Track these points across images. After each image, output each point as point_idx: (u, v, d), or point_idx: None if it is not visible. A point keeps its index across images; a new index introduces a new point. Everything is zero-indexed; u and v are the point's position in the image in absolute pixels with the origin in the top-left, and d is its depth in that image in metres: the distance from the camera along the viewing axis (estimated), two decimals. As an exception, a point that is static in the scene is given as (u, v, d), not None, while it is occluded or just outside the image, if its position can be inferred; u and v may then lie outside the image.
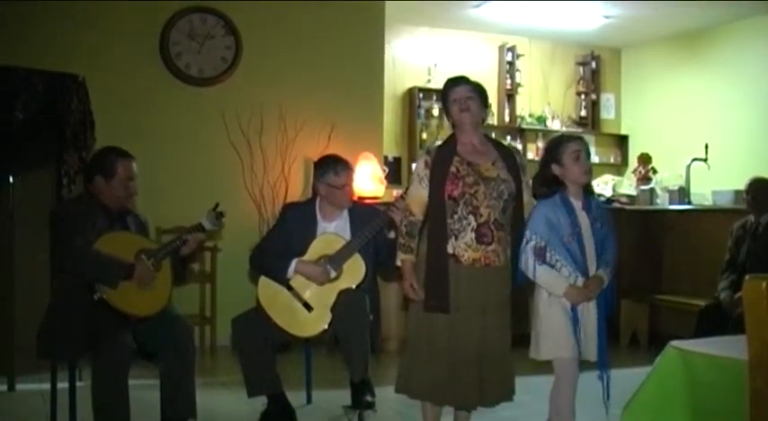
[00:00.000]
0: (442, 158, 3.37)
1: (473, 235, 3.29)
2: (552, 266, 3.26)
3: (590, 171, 3.37)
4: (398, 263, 3.43)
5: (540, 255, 3.26)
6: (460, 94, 3.45)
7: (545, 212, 3.30)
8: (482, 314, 3.32)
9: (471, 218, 3.30)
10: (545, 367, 3.40)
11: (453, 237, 3.30)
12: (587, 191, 3.42)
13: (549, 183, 3.37)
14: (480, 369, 3.31)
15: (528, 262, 3.28)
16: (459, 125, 3.46)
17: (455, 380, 3.29)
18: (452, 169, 3.32)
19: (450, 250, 3.30)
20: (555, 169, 3.35)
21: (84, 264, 3.61)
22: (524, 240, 3.31)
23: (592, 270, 3.27)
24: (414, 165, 3.62)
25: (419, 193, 3.39)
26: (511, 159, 3.49)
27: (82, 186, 3.97)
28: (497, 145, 3.61)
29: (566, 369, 3.29)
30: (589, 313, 3.29)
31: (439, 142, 3.57)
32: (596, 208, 3.39)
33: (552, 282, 3.26)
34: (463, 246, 3.29)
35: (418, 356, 3.37)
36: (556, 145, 3.40)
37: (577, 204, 3.33)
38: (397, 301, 5.90)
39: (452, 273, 3.29)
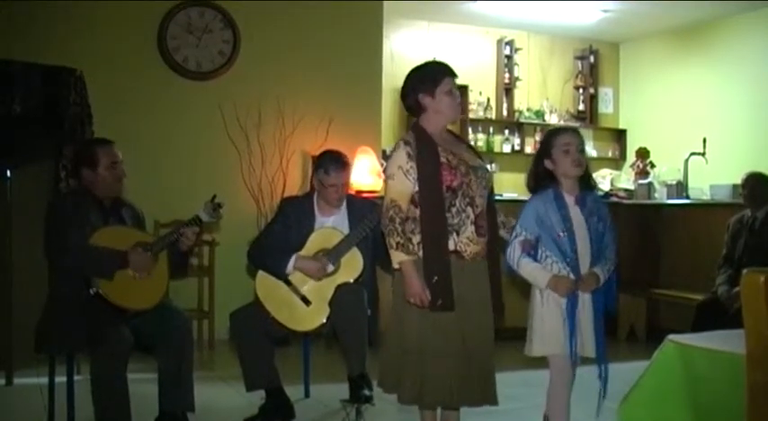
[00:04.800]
0: (426, 148, 3.17)
1: (473, 228, 3.18)
2: (542, 262, 3.22)
3: (582, 164, 3.26)
4: (396, 265, 3.15)
5: (528, 249, 3.23)
6: (455, 85, 3.30)
7: (535, 207, 3.24)
8: (482, 308, 3.25)
9: (469, 210, 3.17)
10: (543, 360, 3.38)
11: (455, 233, 3.15)
12: (586, 185, 3.33)
13: (541, 179, 3.31)
14: (484, 365, 3.23)
15: (513, 254, 3.23)
16: (447, 117, 3.30)
17: (468, 381, 3.16)
18: (442, 159, 3.16)
19: (451, 247, 3.15)
20: (547, 164, 3.28)
21: (79, 261, 3.61)
22: (513, 234, 3.27)
23: (584, 266, 3.21)
24: (391, 159, 3.34)
25: (407, 187, 3.16)
26: (471, 147, 3.44)
27: (77, 181, 3.96)
28: (455, 134, 3.47)
29: (559, 366, 3.25)
30: (585, 309, 3.23)
31: (408, 134, 3.26)
32: (592, 202, 3.30)
33: (536, 274, 3.21)
34: (465, 240, 3.16)
35: (428, 360, 3.14)
36: (548, 138, 3.33)
37: (570, 199, 3.25)
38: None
39: (456, 269, 3.14)
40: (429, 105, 3.26)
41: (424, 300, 3.10)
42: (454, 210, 3.16)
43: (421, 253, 3.15)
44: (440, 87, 3.25)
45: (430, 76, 3.29)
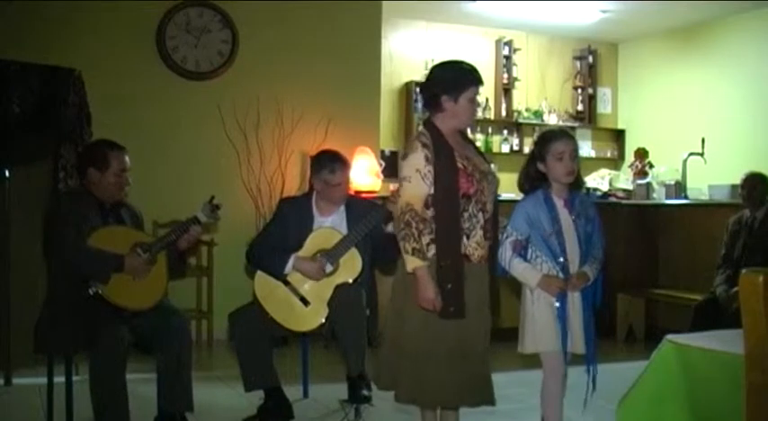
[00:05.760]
0: (443, 153, 3.17)
1: (481, 232, 3.20)
2: (533, 262, 3.27)
3: (574, 172, 3.31)
4: (410, 270, 3.11)
5: (518, 249, 3.27)
6: (478, 93, 3.28)
7: (526, 209, 3.31)
8: (483, 308, 3.26)
9: (480, 215, 3.19)
10: (540, 361, 3.39)
11: (465, 237, 3.16)
12: (576, 186, 3.38)
13: (533, 179, 3.36)
14: (483, 365, 3.25)
15: (505, 254, 3.28)
16: (463, 123, 3.31)
17: (468, 381, 3.18)
18: (459, 165, 3.16)
19: (461, 250, 3.16)
20: (540, 166, 3.33)
21: (76, 261, 3.62)
22: (504, 235, 3.31)
23: (573, 266, 3.27)
24: (407, 161, 3.30)
25: (423, 191, 3.13)
26: (478, 149, 3.44)
27: (79, 180, 3.97)
28: (464, 136, 3.44)
29: (551, 362, 3.31)
30: (574, 307, 3.29)
31: (424, 135, 3.24)
32: (580, 204, 3.37)
33: (526, 274, 3.27)
34: (474, 245, 3.18)
35: (426, 361, 3.15)
36: (542, 142, 3.36)
37: (559, 202, 3.32)
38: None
39: (464, 272, 3.17)
40: (449, 108, 3.24)
41: (437, 307, 3.10)
42: (467, 215, 3.17)
43: (430, 253, 3.14)
44: (465, 94, 3.23)
45: (458, 80, 3.26)
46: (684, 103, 8.74)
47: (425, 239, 3.14)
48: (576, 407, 3.41)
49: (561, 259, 3.25)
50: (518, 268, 3.28)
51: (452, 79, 3.27)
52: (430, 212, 3.16)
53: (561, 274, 3.25)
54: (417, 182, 3.14)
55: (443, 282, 3.11)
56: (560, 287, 3.24)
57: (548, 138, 3.36)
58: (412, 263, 3.10)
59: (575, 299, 3.29)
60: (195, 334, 6.01)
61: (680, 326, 5.09)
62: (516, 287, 3.41)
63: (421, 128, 3.34)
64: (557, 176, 3.30)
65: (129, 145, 3.93)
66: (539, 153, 3.34)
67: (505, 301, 3.46)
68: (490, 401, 3.27)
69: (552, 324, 3.25)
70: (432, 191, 3.15)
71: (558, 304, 3.25)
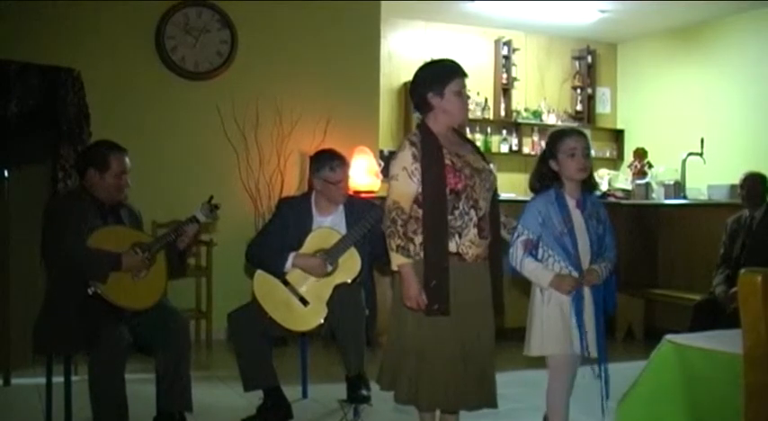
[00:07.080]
0: (431, 150, 3.16)
1: (475, 230, 3.17)
2: (544, 261, 3.24)
3: (586, 168, 3.30)
4: (395, 268, 3.13)
5: (529, 248, 3.25)
6: (464, 86, 3.27)
7: (538, 208, 3.27)
8: (483, 309, 3.24)
9: (473, 212, 3.16)
10: (543, 361, 3.36)
11: (457, 235, 3.14)
12: (587, 187, 3.37)
13: (545, 178, 3.34)
14: (483, 367, 3.22)
15: (516, 254, 3.26)
16: (454, 118, 3.28)
17: (465, 384, 3.15)
18: (447, 161, 3.15)
19: (453, 249, 3.14)
20: (552, 164, 3.32)
21: (73, 260, 3.62)
22: (516, 234, 3.29)
23: (585, 266, 3.24)
24: (395, 160, 3.30)
25: (410, 189, 3.13)
26: (477, 148, 3.43)
27: (78, 180, 3.97)
28: (460, 134, 3.44)
29: (557, 366, 3.28)
30: (586, 310, 3.25)
31: (414, 134, 3.25)
32: (592, 205, 3.35)
33: (538, 274, 3.24)
34: (467, 243, 3.16)
35: (424, 362, 3.13)
36: (554, 140, 3.35)
37: (571, 201, 3.29)
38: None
39: (457, 271, 3.14)
40: (437, 104, 3.23)
41: (420, 304, 3.09)
42: (457, 212, 3.15)
43: (423, 254, 3.14)
44: (449, 87, 3.23)
45: (440, 75, 3.26)
46: (684, 103, 8.74)
47: (417, 239, 3.14)
48: (577, 408, 3.41)
49: (574, 259, 3.21)
50: (529, 267, 3.24)
51: (435, 75, 3.28)
52: (421, 211, 3.15)
53: (574, 273, 3.21)
54: (404, 180, 3.15)
55: (428, 279, 3.10)
56: (573, 286, 3.20)
57: (559, 135, 3.35)
58: (396, 260, 3.12)
59: (586, 301, 3.25)
60: (194, 334, 6.02)
61: (679, 325, 5.10)
62: (527, 287, 3.39)
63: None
64: (569, 173, 3.28)
65: (128, 145, 3.93)
66: (550, 151, 3.33)
67: (515, 302, 3.43)
68: (491, 404, 3.25)
69: (561, 326, 3.22)
70: (420, 189, 3.15)
71: (571, 303, 3.21)
